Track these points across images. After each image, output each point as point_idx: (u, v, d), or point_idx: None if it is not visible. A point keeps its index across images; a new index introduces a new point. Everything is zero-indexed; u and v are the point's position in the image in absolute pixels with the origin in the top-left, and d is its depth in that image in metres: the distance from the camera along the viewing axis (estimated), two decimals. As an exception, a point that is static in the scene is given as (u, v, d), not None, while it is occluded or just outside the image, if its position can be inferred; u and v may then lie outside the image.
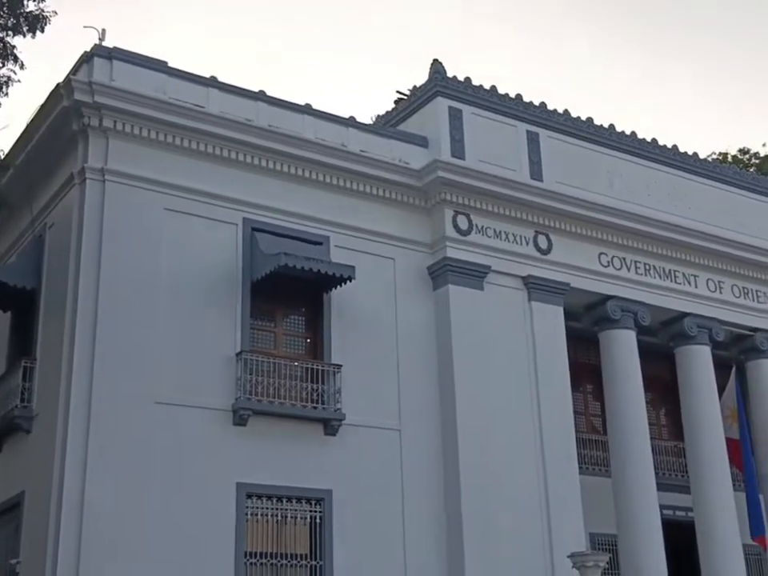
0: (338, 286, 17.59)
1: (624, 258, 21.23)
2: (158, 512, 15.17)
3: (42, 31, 15.32)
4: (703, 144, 65.62)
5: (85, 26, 17.24)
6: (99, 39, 17.11)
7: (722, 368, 22.42)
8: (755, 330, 22.64)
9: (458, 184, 19.14)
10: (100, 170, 16.41)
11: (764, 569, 22.83)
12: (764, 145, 45.62)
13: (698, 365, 21.53)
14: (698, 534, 20.48)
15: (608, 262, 21.00)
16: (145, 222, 16.54)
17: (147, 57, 17.27)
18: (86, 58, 16.86)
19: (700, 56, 66.52)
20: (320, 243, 18.03)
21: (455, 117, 19.75)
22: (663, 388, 23.68)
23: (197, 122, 17.12)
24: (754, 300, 22.85)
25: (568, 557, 16.43)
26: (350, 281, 17.34)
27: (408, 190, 19.25)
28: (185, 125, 17.04)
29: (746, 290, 22.79)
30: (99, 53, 16.81)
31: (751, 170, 35.94)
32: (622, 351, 20.61)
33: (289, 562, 16.22)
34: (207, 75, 17.80)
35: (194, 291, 16.64)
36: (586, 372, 22.46)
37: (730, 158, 41.57)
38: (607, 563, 16.66)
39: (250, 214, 17.56)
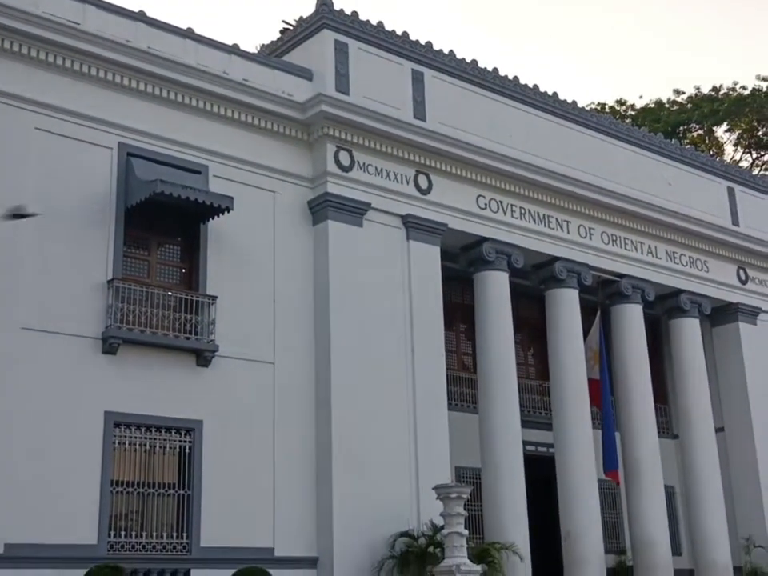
0: (216, 217, 17.38)
1: (501, 201, 21.64)
2: (24, 438, 14.87)
3: None
4: (583, 94, 67.01)
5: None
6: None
7: (588, 311, 23.29)
8: (621, 275, 23.52)
9: (341, 119, 19.05)
10: (-34, 85, 15.67)
11: (617, 502, 24.15)
12: (641, 97, 47.07)
13: (565, 307, 22.26)
14: (557, 469, 21.37)
15: (485, 204, 21.38)
16: (13, 141, 15.90)
17: (19, -33, 16.41)
18: (-50, -34, 15.90)
19: (582, 7, 67.59)
20: (198, 172, 17.72)
21: (341, 51, 19.57)
22: (532, 329, 24.47)
23: (71, 40, 16.44)
24: (621, 247, 23.69)
25: (433, 488, 16.96)
26: (228, 212, 17.15)
27: (290, 122, 19.04)
28: (58, 41, 16.34)
29: (614, 237, 23.59)
30: (-34, -40, 15.89)
31: (627, 121, 37.00)
32: (495, 292, 21.11)
33: (156, 490, 16.20)
34: (84, -9, 17.08)
35: (65, 215, 16.15)
36: (460, 311, 22.99)
37: (607, 109, 42.69)
38: (470, 495, 17.27)
39: (125, 139, 17.09)
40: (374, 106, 19.49)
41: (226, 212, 17.16)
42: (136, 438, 16.18)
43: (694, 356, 24.68)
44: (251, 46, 21.12)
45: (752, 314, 26.14)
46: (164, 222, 17.44)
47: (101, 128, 16.82)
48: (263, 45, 21.55)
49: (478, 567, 16.56)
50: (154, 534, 16.00)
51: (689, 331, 24.86)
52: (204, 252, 17.63)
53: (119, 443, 15.97)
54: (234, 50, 18.79)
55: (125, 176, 16.87)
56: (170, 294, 17.05)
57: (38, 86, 16.26)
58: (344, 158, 19.29)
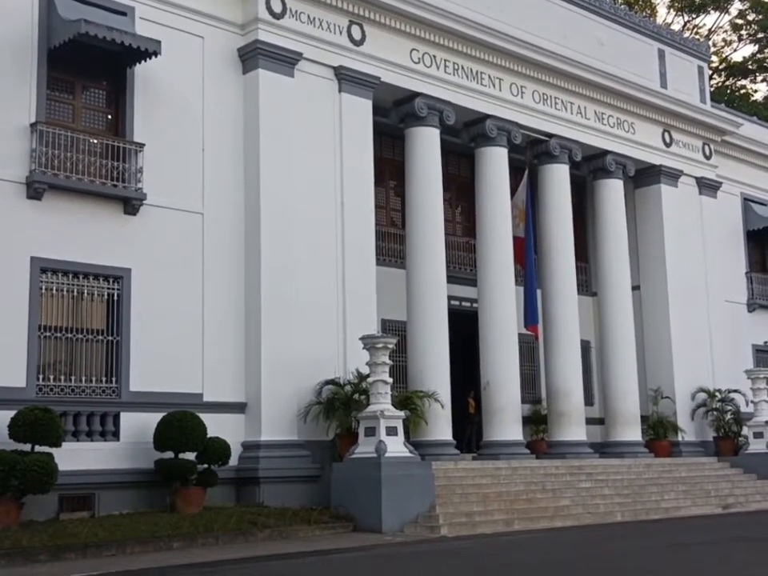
0: (143, 61, 16.88)
1: (434, 56, 21.41)
2: (-54, 284, 14.74)
3: None
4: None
5: None
6: None
7: (516, 171, 23.55)
8: (550, 135, 23.68)
9: (272, -38, 18.45)
10: None
11: (534, 355, 25.11)
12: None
13: (494, 166, 22.41)
14: (480, 323, 22.01)
15: (419, 58, 21.13)
16: (-74, -28, 15.07)
17: None
18: None
19: None
20: (124, 13, 17.10)
21: None
22: (461, 187, 24.69)
23: None
24: (551, 106, 23.76)
25: (359, 339, 17.42)
26: (156, 56, 16.68)
27: (220, -36, 18.39)
28: None
29: (544, 96, 23.62)
30: None
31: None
32: (426, 149, 21.13)
33: (85, 336, 16.28)
34: None
35: (-16, 54, 15.53)
36: (390, 168, 23.04)
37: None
38: (395, 347, 17.77)
39: (47, -25, 16.32)
40: (307, -51, 18.86)
41: (153, 56, 16.68)
42: (63, 284, 16.13)
43: (616, 217, 25.26)
44: None
45: (674, 176, 26.73)
46: (89, 65, 16.89)
47: (20, -38, 16.03)
48: None
49: (401, 413, 17.23)
50: (83, 379, 16.18)
51: (612, 192, 25.34)
52: (131, 97, 17.20)
53: (46, 289, 15.91)
54: None
55: (47, 15, 16.19)
56: (95, 140, 16.68)
57: None
58: (275, 5, 18.76)
